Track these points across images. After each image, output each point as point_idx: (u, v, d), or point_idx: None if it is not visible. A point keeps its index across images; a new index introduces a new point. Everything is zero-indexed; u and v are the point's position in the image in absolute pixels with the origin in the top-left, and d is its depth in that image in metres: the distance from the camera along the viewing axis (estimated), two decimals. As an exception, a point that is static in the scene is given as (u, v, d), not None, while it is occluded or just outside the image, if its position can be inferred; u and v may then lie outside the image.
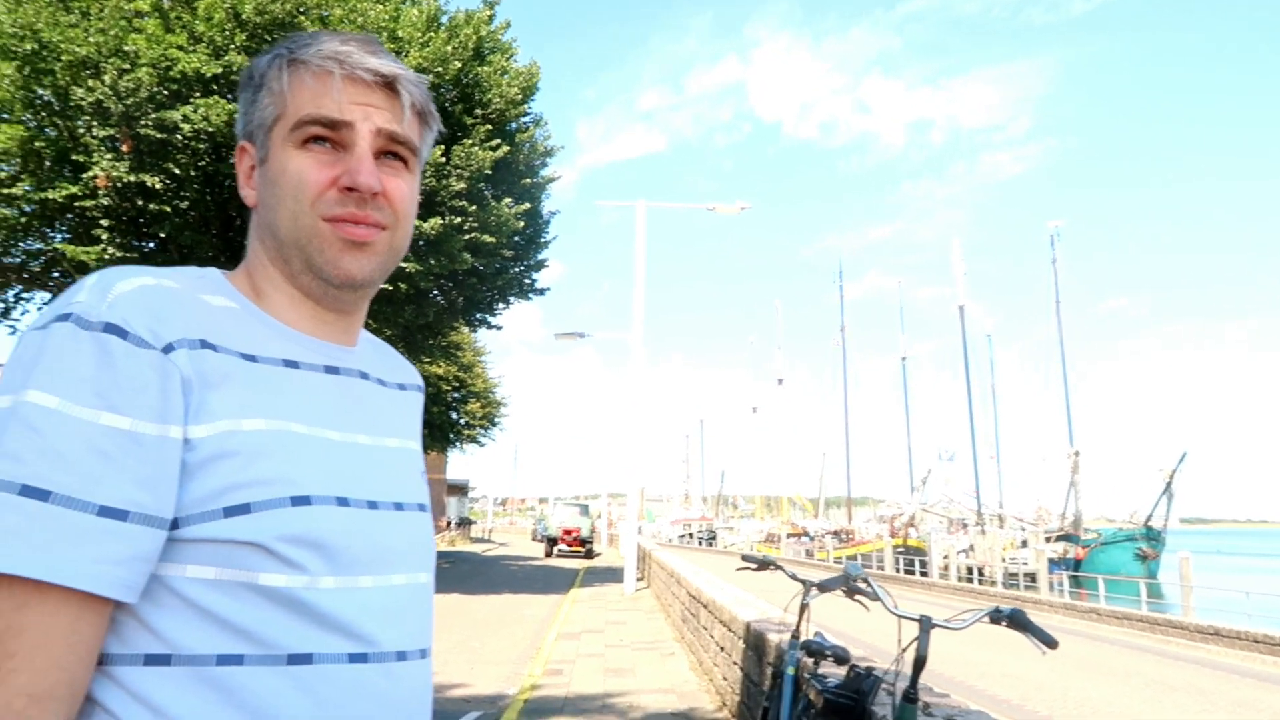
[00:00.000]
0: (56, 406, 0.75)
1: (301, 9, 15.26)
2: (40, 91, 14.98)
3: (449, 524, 55.33)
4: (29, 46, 14.25)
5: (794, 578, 4.46)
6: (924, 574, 33.86)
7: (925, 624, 3.16)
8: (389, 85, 0.95)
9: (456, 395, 35.84)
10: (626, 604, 16.49)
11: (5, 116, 15.02)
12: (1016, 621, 3.10)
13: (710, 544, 70.46)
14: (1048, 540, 34.01)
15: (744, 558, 5.03)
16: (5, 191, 15.77)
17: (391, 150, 0.96)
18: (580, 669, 9.17)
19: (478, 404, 36.80)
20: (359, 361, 1.03)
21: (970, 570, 33.58)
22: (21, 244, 17.84)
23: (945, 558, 34.26)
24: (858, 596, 3.78)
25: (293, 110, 0.93)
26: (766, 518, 75.64)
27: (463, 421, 36.92)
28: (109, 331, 0.79)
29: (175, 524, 0.80)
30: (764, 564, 4.94)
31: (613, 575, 23.84)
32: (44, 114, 15.39)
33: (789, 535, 57.31)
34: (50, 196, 15.36)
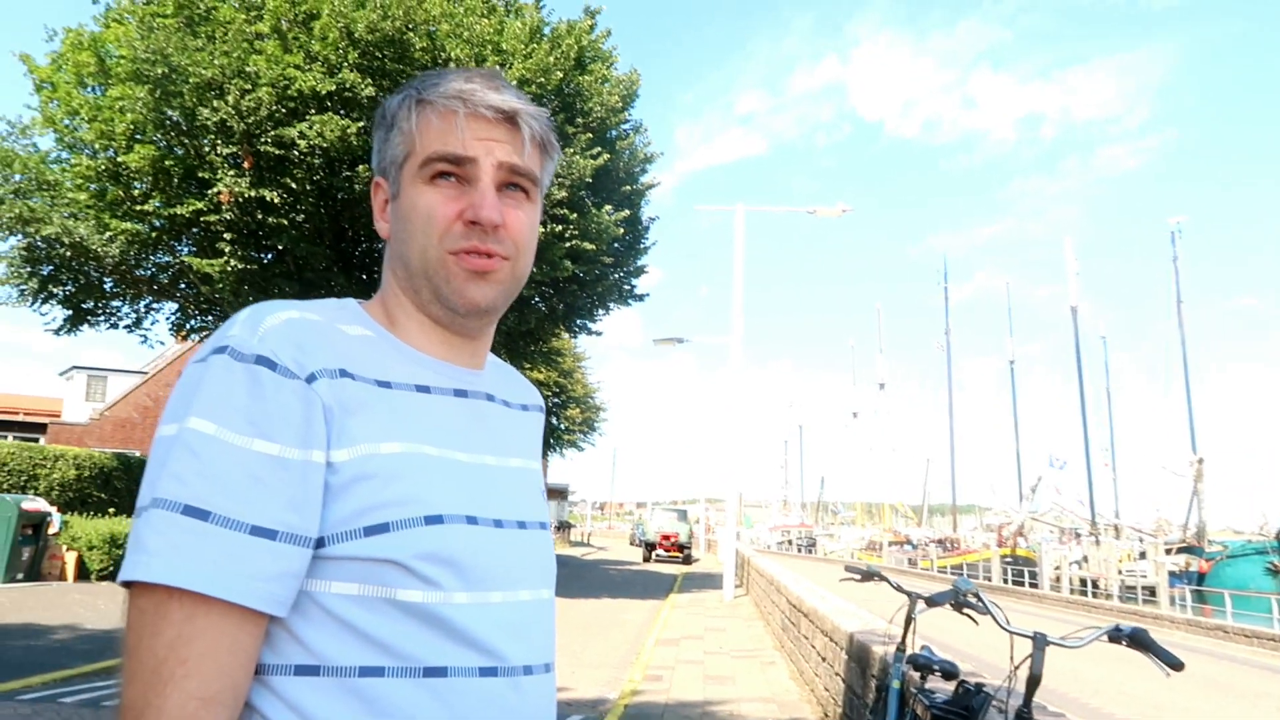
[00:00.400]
0: (214, 433, 0.82)
1: (410, 25, 15.75)
2: (170, 113, 15.86)
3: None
4: (160, 71, 15.11)
5: (899, 589, 4.39)
6: (1034, 585, 32.68)
7: (1039, 641, 3.06)
8: (510, 119, 0.99)
9: (557, 401, 36.37)
10: (725, 611, 16.42)
11: (139, 138, 15.95)
12: (1138, 641, 2.98)
13: (810, 551, 69.55)
14: (1168, 552, 32.32)
15: (847, 568, 4.97)
16: (138, 208, 16.76)
17: (513, 182, 1.00)
18: (680, 675, 9.18)
19: (577, 409, 37.26)
20: (485, 384, 1.08)
21: (1084, 582, 32.23)
22: (152, 257, 18.91)
23: (1057, 569, 32.99)
24: (966, 611, 3.69)
25: (421, 148, 0.98)
26: (867, 525, 74.20)
27: (563, 427, 37.43)
28: (259, 363, 0.85)
29: (321, 543, 0.86)
30: (868, 575, 4.87)
31: (711, 581, 23.78)
32: (173, 134, 16.28)
33: (891, 543, 56.11)
34: (178, 212, 16.24)
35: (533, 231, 1.04)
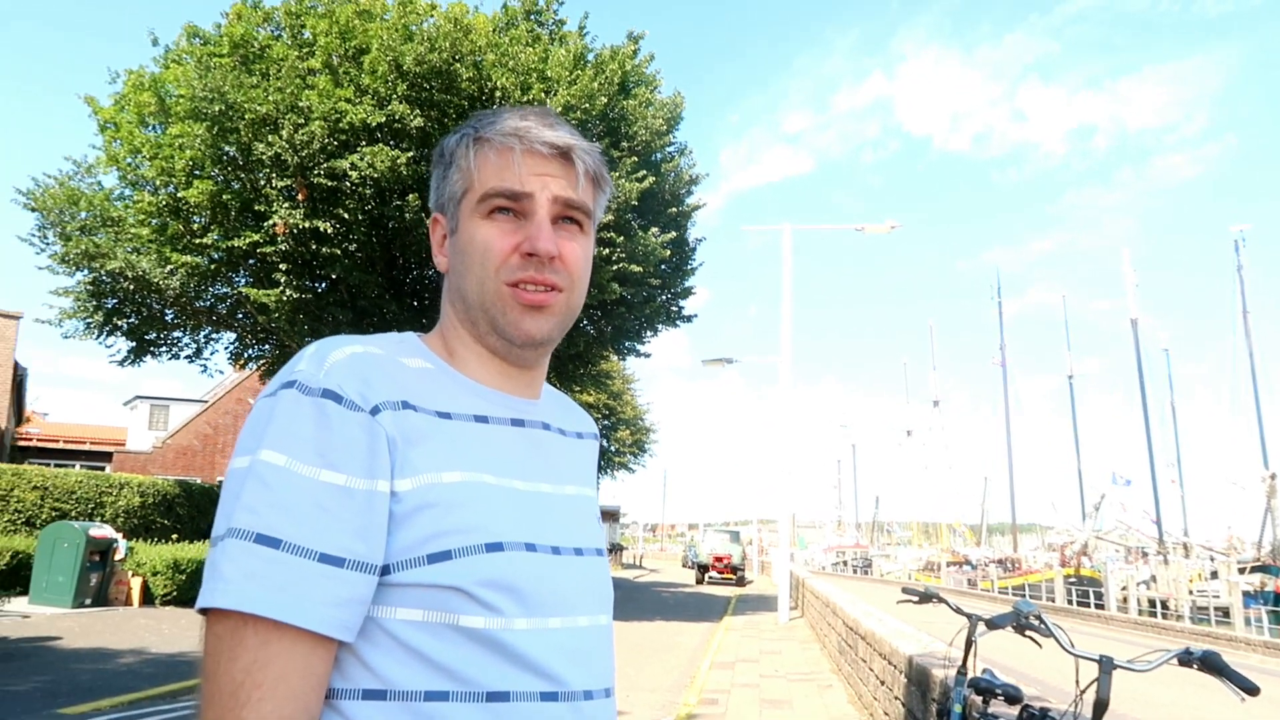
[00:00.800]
0: (284, 464, 0.85)
1: (457, 57, 16.04)
2: (227, 148, 16.33)
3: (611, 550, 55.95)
4: (217, 108, 15.57)
5: (959, 611, 4.29)
6: (1100, 606, 31.77)
7: (1106, 665, 2.97)
8: (564, 155, 1.03)
9: (607, 423, 36.44)
10: (781, 633, 16.22)
11: (197, 173, 16.43)
12: (1210, 664, 2.87)
13: (865, 572, 68.49)
14: (1242, 571, 31.21)
15: (905, 590, 4.88)
16: (197, 241, 17.23)
17: (567, 215, 1.04)
18: (736, 699, 9.08)
19: (627, 431, 37.30)
20: (541, 413, 1.10)
21: (1153, 603, 31.25)
22: (210, 289, 19.42)
23: (1124, 589, 32.02)
24: (1029, 634, 3.59)
25: (479, 184, 1.02)
26: (924, 545, 72.88)
27: (613, 449, 37.47)
28: (326, 397, 0.88)
29: (386, 570, 0.88)
30: (926, 596, 4.77)
31: (765, 604, 23.54)
32: (230, 169, 16.75)
33: (949, 564, 55.00)
34: (236, 244, 16.67)
35: (587, 263, 1.07)
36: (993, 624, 3.80)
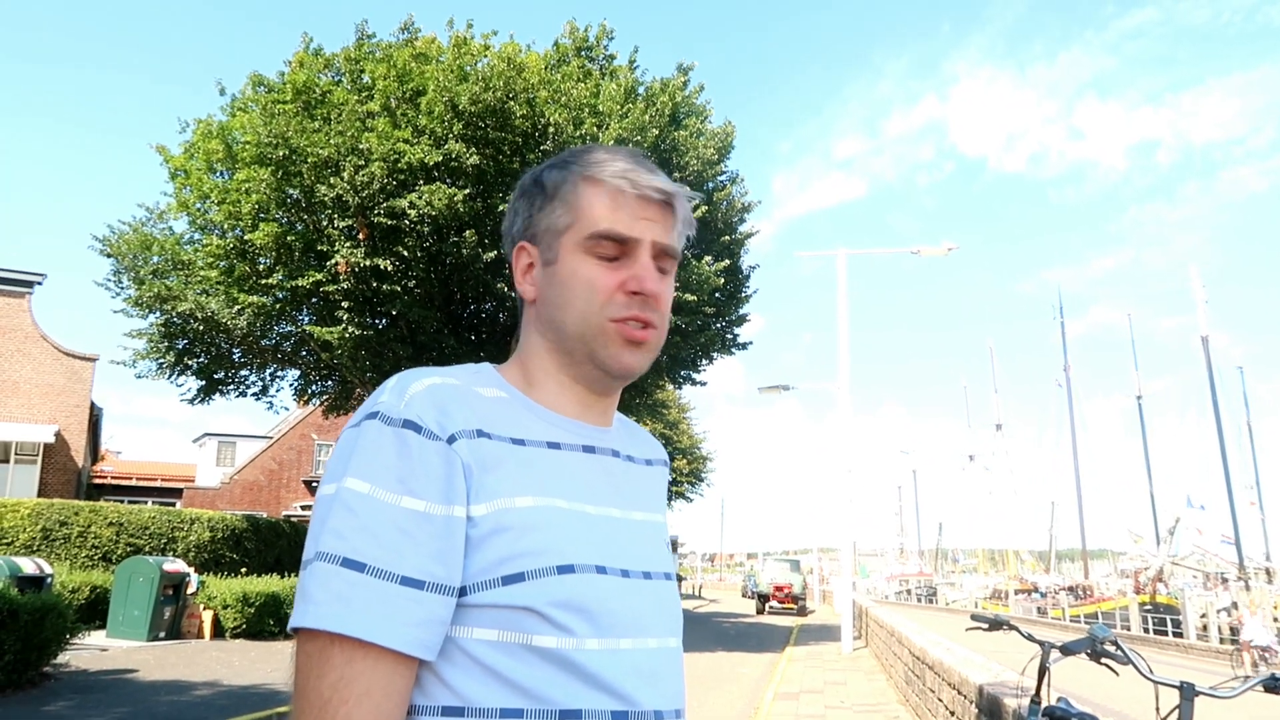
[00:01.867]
0: (368, 491, 0.90)
1: (511, 95, 16.38)
2: (291, 191, 16.85)
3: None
4: (281, 153, 16.10)
5: (1030, 638, 4.21)
6: (1178, 634, 30.65)
7: (1187, 691, 2.90)
8: (667, 202, 1.08)
9: (663, 452, 36.40)
10: (845, 663, 15.96)
11: (263, 216, 16.96)
12: (1298, 691, 2.79)
13: (930, 601, 67.06)
14: (1328, 597, 29.93)
15: (974, 617, 4.79)
16: (263, 282, 17.76)
17: (660, 264, 1.08)
18: (802, 730, 8.94)
19: (684, 460, 37.19)
20: (612, 441, 1.14)
21: (1234, 631, 30.07)
22: (276, 327, 19.97)
23: (1203, 616, 30.88)
24: (1105, 660, 3.52)
25: (587, 222, 1.05)
26: (990, 572, 71.15)
27: (670, 478, 37.37)
28: (407, 427, 0.93)
29: (463, 592, 0.92)
30: (996, 623, 4.69)
31: (828, 633, 23.18)
32: (294, 211, 17.28)
33: (1017, 591, 53.57)
34: (300, 284, 17.14)
35: (670, 302, 1.12)
36: (1067, 650, 3.72)
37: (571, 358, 1.08)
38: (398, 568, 0.88)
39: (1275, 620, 29.61)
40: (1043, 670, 4.05)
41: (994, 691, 5.68)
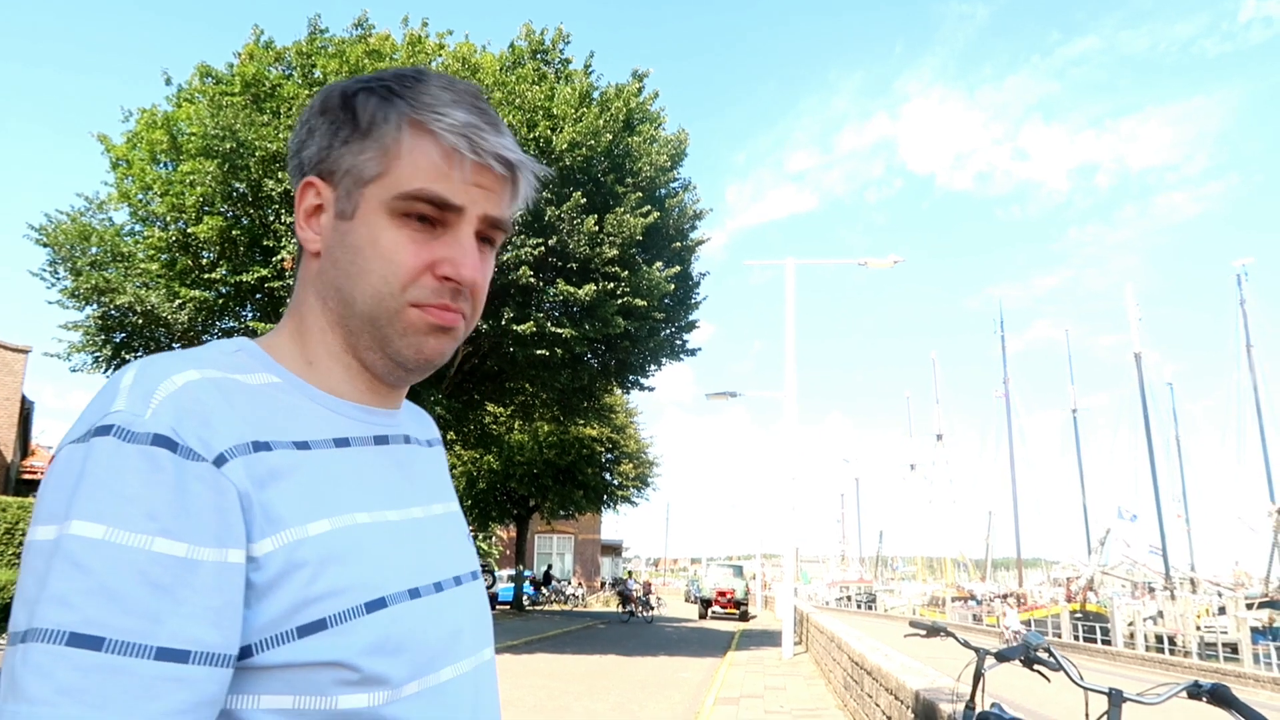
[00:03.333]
0: (103, 537, 0.66)
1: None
2: (237, 185, 16.56)
3: (603, 584, 55.62)
4: (228, 146, 15.81)
5: (967, 645, 4.32)
6: (1107, 642, 31.56)
7: (1115, 698, 3.01)
8: (509, 170, 0.87)
9: (610, 457, 36.35)
10: (785, 668, 16.12)
11: (208, 210, 16.65)
12: (1219, 697, 2.91)
13: (870, 607, 67.99)
14: (1249, 607, 31.03)
15: (912, 623, 4.90)
16: (206, 276, 17.42)
17: (486, 234, 0.88)
18: (742, 735, 9.02)
19: (630, 465, 37.19)
20: (402, 425, 0.96)
21: (1160, 639, 31.03)
22: (218, 323, 19.56)
23: (1131, 625, 31.83)
24: (1037, 667, 3.63)
25: (402, 178, 0.83)
26: (929, 580, 72.41)
27: (616, 482, 37.37)
28: (157, 444, 0.69)
29: (247, 652, 0.72)
30: (934, 630, 4.80)
31: (769, 639, 23.37)
32: (240, 205, 16.98)
33: (954, 599, 54.63)
34: (244, 279, 16.85)
35: (488, 283, 0.92)
36: (1001, 656, 3.83)
37: (355, 340, 0.87)
38: (150, 638, 0.65)
39: (1198, 629, 30.62)
40: (978, 676, 4.16)
41: (930, 697, 5.80)
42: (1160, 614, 33.37)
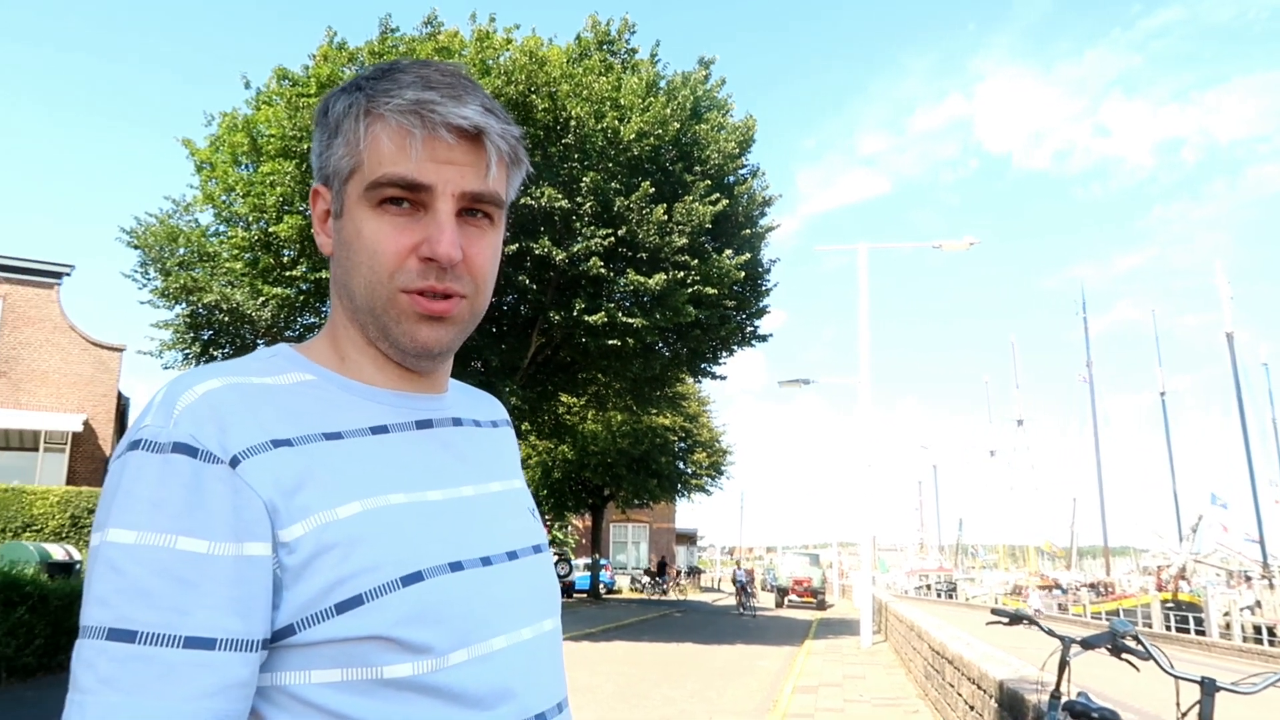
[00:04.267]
0: (133, 541, 0.73)
1: (533, 89, 16.43)
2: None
3: (679, 573, 55.78)
4: (305, 146, 16.21)
5: (1051, 633, 4.22)
6: (1200, 632, 30.41)
7: (1209, 687, 2.91)
8: (474, 138, 0.87)
9: (683, 445, 36.40)
10: (864, 657, 15.97)
11: (287, 209, 17.12)
12: (1319, 688, 2.80)
13: (950, 596, 66.79)
14: (1355, 597, 29.62)
15: (995, 611, 4.81)
16: (287, 274, 17.94)
17: (474, 208, 0.89)
18: (820, 723, 8.98)
19: (703, 453, 37.18)
20: (450, 408, 0.98)
21: (1258, 629, 29.80)
22: (299, 319, 20.15)
23: (1226, 614, 30.63)
24: (1125, 656, 3.53)
25: (369, 167, 0.86)
26: (1011, 568, 70.78)
27: (689, 471, 37.40)
28: (178, 451, 0.76)
29: (290, 630, 0.77)
30: (1017, 618, 4.70)
31: (847, 627, 23.17)
32: (318, 204, 17.40)
33: (1038, 588, 53.29)
34: (323, 276, 17.28)
35: (494, 262, 0.93)
36: (1088, 644, 3.73)
37: (366, 332, 0.91)
38: (178, 628, 0.72)
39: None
40: (1063, 665, 4.07)
41: (1014, 687, 5.70)
42: (1258, 603, 32.04)
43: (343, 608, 0.77)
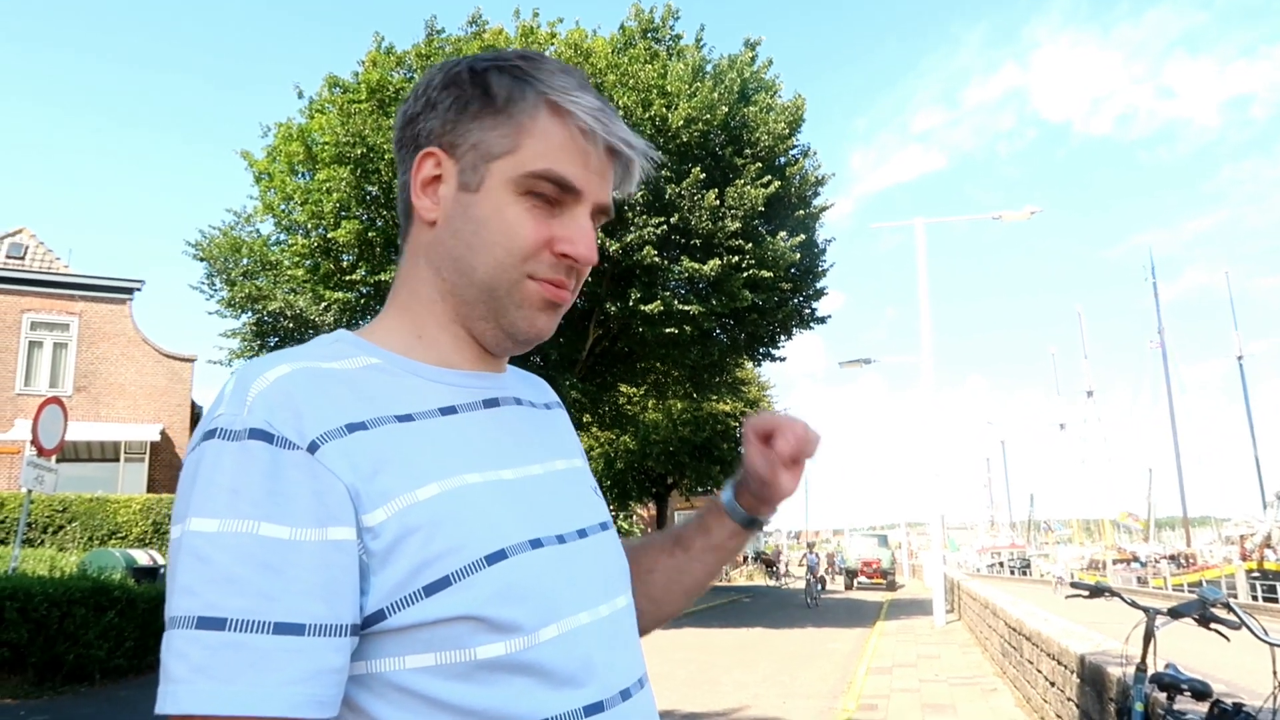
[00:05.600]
0: (216, 529, 0.72)
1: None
2: (370, 189, 17.27)
3: (745, 559, 55.64)
4: (359, 151, 16.50)
5: (1134, 605, 4.13)
6: (1290, 602, 29.43)
7: (1305, 654, 2.82)
8: (626, 158, 0.92)
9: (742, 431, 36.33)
10: (937, 637, 15.77)
11: (344, 214, 17.44)
12: None
13: (1024, 573, 65.58)
14: None
15: (1074, 585, 4.72)
16: (347, 278, 18.27)
17: (593, 216, 0.93)
18: (896, 704, 8.91)
19: (765, 438, 37.02)
20: (510, 388, 0.99)
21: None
22: (362, 322, 20.50)
23: (1316, 583, 29.59)
24: (1215, 626, 3.44)
25: (533, 156, 0.87)
26: (1086, 543, 69.20)
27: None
28: (254, 438, 0.75)
29: (381, 615, 0.77)
30: (1097, 591, 4.61)
31: (919, 608, 22.90)
32: (373, 208, 17.70)
33: (1115, 561, 52.02)
34: (382, 278, 17.59)
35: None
36: (1176, 613, 3.64)
37: (470, 310, 0.91)
38: (267, 614, 0.71)
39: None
40: (1148, 637, 3.97)
41: (1096, 661, 5.58)
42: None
43: (431, 590, 0.76)
